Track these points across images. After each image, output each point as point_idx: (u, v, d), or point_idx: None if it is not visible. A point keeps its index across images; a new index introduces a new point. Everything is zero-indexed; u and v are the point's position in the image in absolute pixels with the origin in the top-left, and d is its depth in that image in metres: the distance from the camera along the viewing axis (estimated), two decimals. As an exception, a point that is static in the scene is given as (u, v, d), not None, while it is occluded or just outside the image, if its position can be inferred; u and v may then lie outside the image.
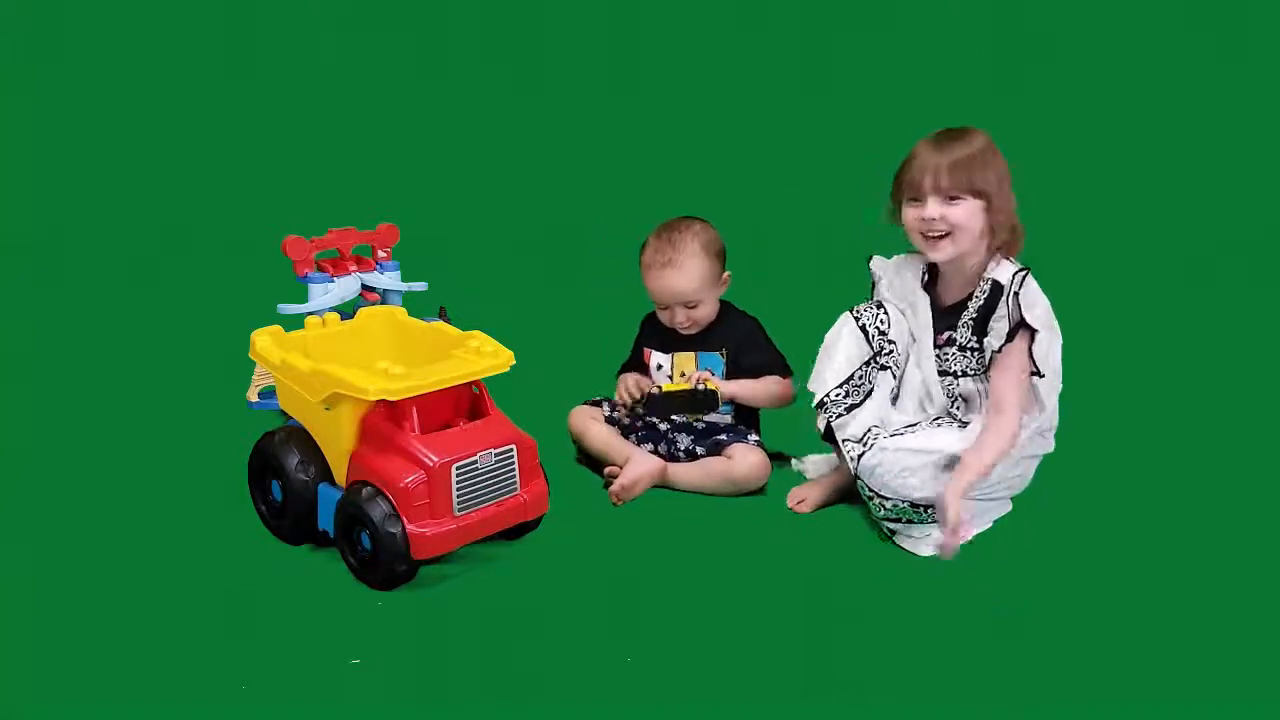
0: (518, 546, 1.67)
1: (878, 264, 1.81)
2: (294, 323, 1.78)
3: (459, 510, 1.53)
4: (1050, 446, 1.73)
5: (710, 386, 1.84)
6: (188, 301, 2.76)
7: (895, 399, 1.76)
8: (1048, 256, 1.79)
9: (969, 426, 1.70)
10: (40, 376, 2.36)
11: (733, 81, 3.19)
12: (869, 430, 1.69)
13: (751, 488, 1.83)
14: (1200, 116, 3.06)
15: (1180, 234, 2.98)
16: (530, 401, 1.80)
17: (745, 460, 1.82)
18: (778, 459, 1.92)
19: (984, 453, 1.63)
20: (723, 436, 1.88)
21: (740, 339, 1.91)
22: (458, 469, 1.52)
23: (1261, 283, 2.80)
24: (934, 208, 1.64)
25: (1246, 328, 2.59)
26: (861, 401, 1.72)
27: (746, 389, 1.88)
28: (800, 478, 1.90)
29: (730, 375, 1.90)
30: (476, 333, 1.67)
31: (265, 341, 1.68)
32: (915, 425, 1.72)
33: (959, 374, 1.72)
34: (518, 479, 1.60)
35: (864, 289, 1.82)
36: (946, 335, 1.73)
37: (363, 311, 1.84)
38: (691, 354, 1.93)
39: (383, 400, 1.50)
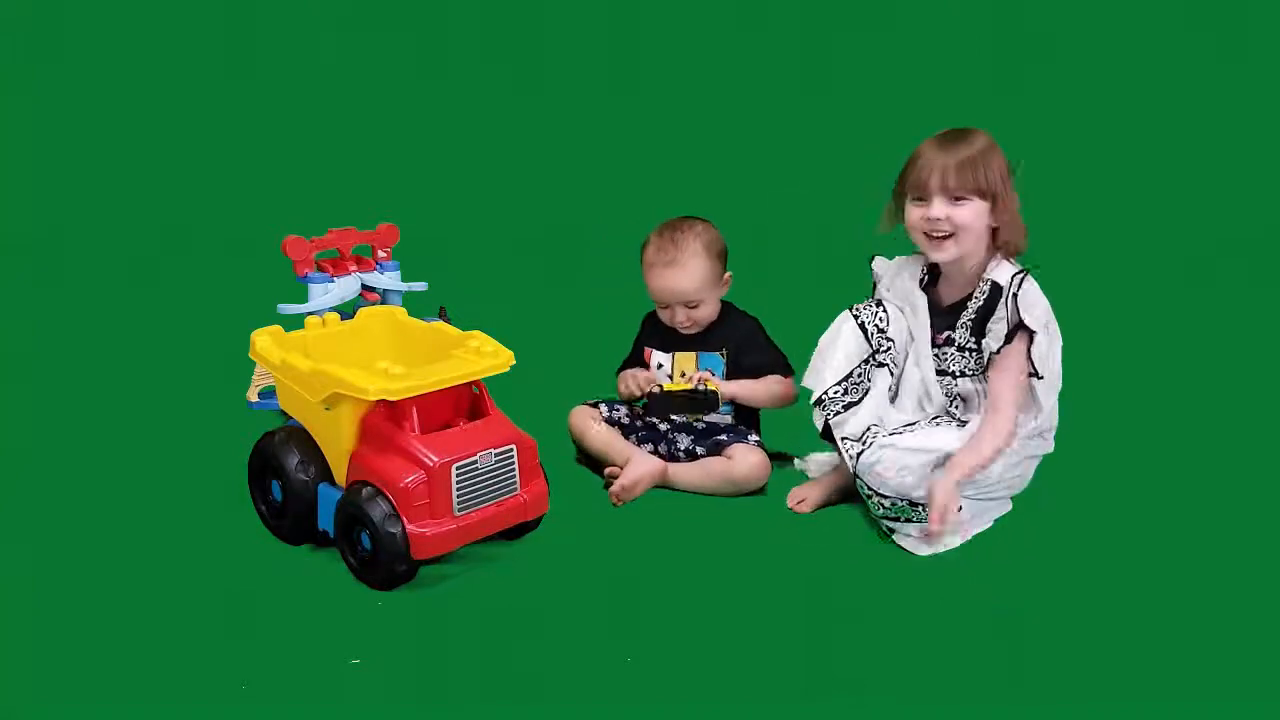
0: (518, 546, 1.66)
1: (879, 264, 1.82)
2: (294, 323, 1.78)
3: (459, 510, 1.53)
4: (1050, 447, 1.73)
5: (710, 387, 1.84)
6: (188, 301, 2.75)
7: (894, 398, 1.77)
8: (1048, 257, 1.78)
9: (968, 425, 1.70)
10: (40, 376, 2.36)
11: (733, 81, 3.19)
12: (868, 429, 1.69)
13: (752, 488, 1.83)
14: (1200, 116, 3.06)
15: (1180, 234, 2.98)
16: (530, 401, 1.80)
17: (745, 460, 1.82)
18: (778, 459, 1.92)
19: (977, 450, 1.64)
20: (723, 436, 1.88)
21: (741, 339, 1.91)
22: (458, 469, 1.52)
23: (1261, 283, 2.80)
24: (939, 207, 1.64)
25: (1246, 328, 2.59)
26: (860, 400, 1.72)
27: (747, 389, 1.88)
28: (801, 477, 1.90)
29: (731, 375, 1.90)
30: (476, 333, 1.67)
31: (265, 341, 1.68)
32: (914, 424, 1.72)
33: (957, 374, 1.72)
34: (518, 479, 1.60)
35: (864, 289, 1.82)
36: (945, 335, 1.73)
37: (363, 311, 1.84)
38: (692, 354, 1.93)
39: (383, 400, 1.50)
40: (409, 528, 1.50)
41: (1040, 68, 3.10)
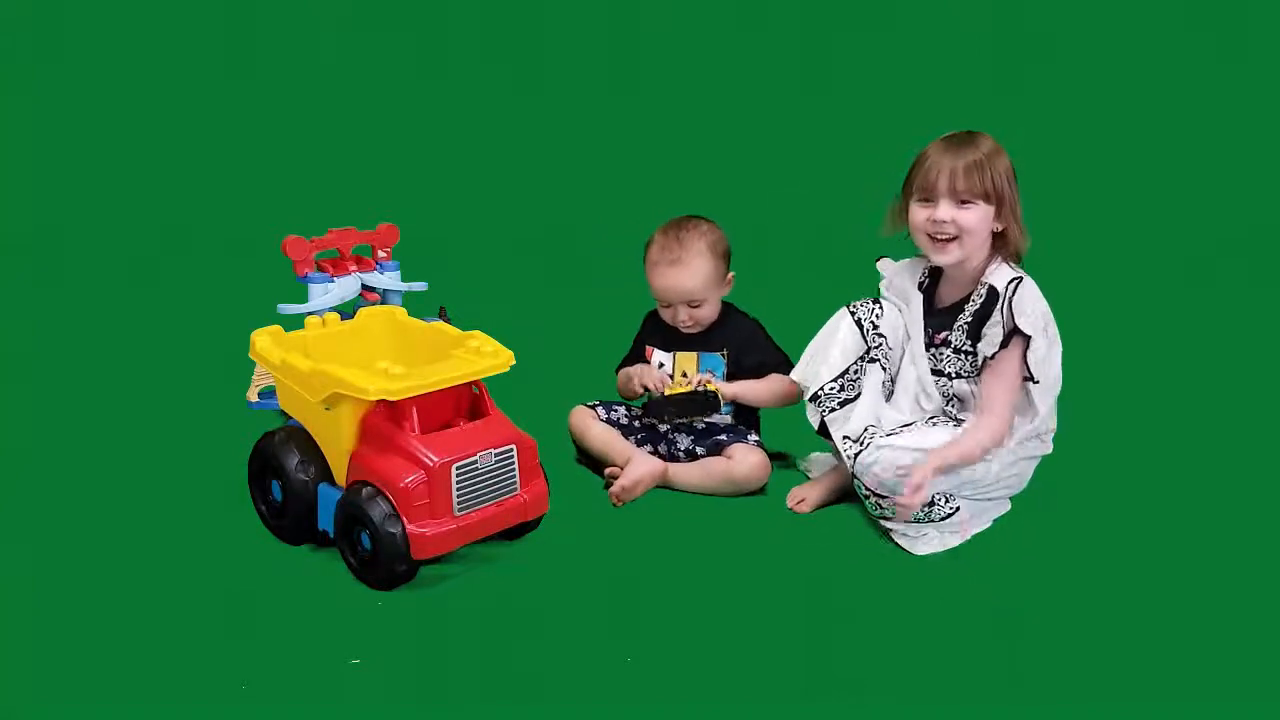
0: (518, 546, 1.66)
1: (884, 265, 1.82)
2: (294, 323, 1.78)
3: (459, 510, 1.53)
4: (1048, 448, 1.73)
5: (710, 388, 1.84)
6: (188, 301, 2.75)
7: (890, 396, 1.77)
8: (1048, 257, 1.79)
9: (963, 426, 1.70)
10: (40, 376, 2.36)
11: (733, 81, 3.19)
12: (866, 429, 1.69)
13: (752, 488, 1.83)
14: (1200, 116, 3.07)
15: (1180, 234, 2.98)
16: (530, 401, 1.80)
17: (745, 460, 1.82)
18: (778, 459, 1.92)
19: (962, 445, 1.65)
20: (723, 437, 1.88)
21: (742, 340, 1.91)
22: (458, 469, 1.52)
23: (1261, 283, 2.80)
24: (946, 209, 1.64)
25: (1246, 328, 2.59)
26: (855, 396, 1.72)
27: (750, 389, 1.88)
28: (801, 477, 1.90)
29: (732, 376, 1.90)
30: (476, 333, 1.67)
31: (265, 341, 1.68)
32: (911, 425, 1.72)
33: (952, 375, 1.72)
34: (518, 479, 1.60)
35: (864, 289, 1.82)
36: (942, 336, 1.73)
37: (363, 311, 1.84)
38: (693, 354, 1.92)
39: (383, 400, 1.50)
40: (409, 528, 1.50)
41: (1040, 68, 3.10)
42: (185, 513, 1.74)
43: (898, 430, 1.69)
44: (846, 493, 1.80)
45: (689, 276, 1.86)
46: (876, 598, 1.52)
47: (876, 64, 3.16)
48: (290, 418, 1.68)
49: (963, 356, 1.71)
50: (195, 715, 1.29)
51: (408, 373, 1.52)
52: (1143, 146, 3.07)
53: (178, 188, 3.06)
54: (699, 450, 1.89)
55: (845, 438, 1.69)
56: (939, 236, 1.66)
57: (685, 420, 1.89)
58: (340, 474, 1.60)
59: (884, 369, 1.75)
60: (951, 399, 1.74)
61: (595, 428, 1.92)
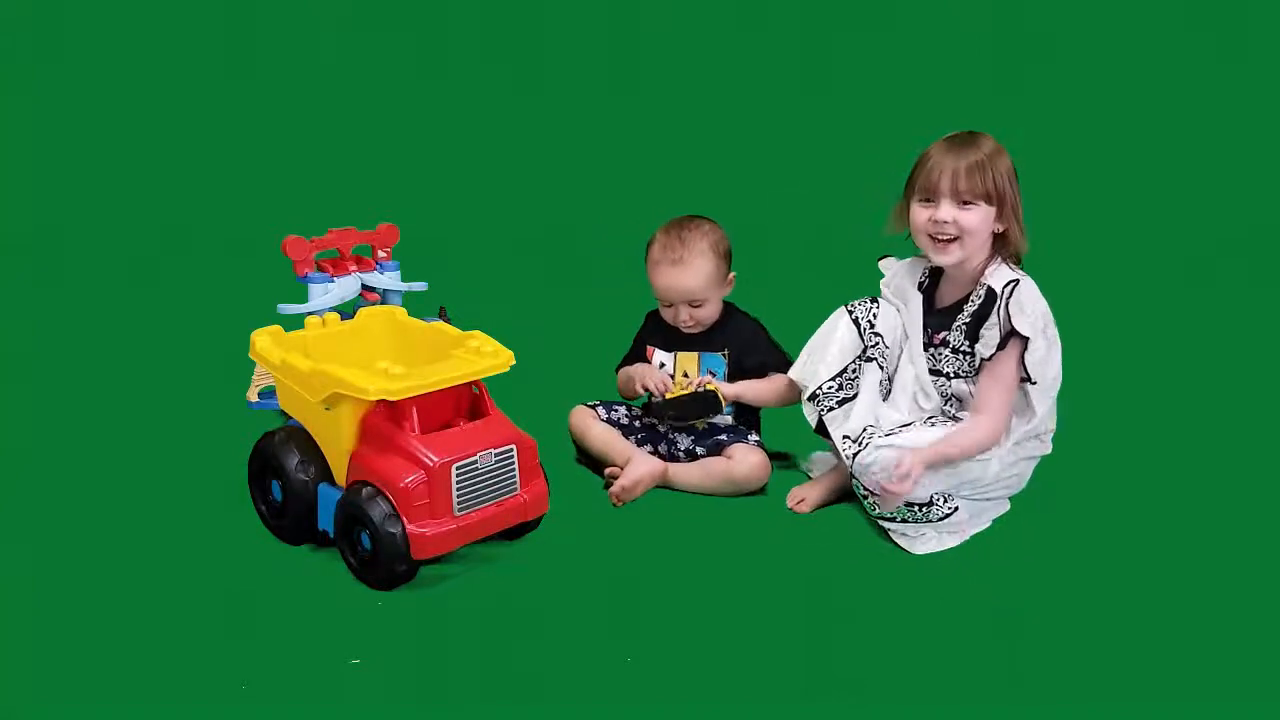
0: (518, 546, 1.66)
1: (886, 264, 1.82)
2: (294, 323, 1.78)
3: (459, 510, 1.53)
4: (1047, 449, 1.74)
5: (710, 389, 1.84)
6: (188, 301, 2.75)
7: (888, 395, 1.77)
8: (1048, 257, 1.79)
9: (961, 423, 1.71)
10: (40, 376, 2.36)
11: (733, 81, 3.19)
12: (865, 429, 1.69)
13: (752, 488, 1.83)
14: (1200, 116, 3.07)
15: (1180, 234, 2.98)
16: (530, 401, 1.80)
17: (746, 460, 1.82)
18: (778, 459, 1.92)
19: (953, 441, 1.65)
20: (723, 437, 1.88)
21: (744, 340, 1.91)
22: (458, 469, 1.52)
23: (1261, 283, 2.80)
24: (947, 210, 1.64)
25: (1246, 328, 2.59)
26: (854, 395, 1.72)
27: (751, 389, 1.88)
28: (801, 477, 1.90)
29: (733, 376, 1.90)
30: (476, 333, 1.67)
31: (265, 341, 1.68)
32: (910, 425, 1.72)
33: (951, 375, 1.72)
34: (518, 479, 1.60)
35: (864, 289, 1.82)
36: (941, 336, 1.73)
37: (363, 311, 1.84)
38: (694, 354, 1.92)
39: (383, 400, 1.50)
40: (409, 528, 1.50)
41: (1040, 68, 3.10)
42: (185, 513, 1.74)
43: (896, 430, 1.69)
44: (846, 493, 1.80)
45: (691, 276, 1.86)
46: (876, 598, 1.53)
47: (876, 64, 3.16)
48: (290, 418, 1.68)
49: (961, 356, 1.71)
50: (195, 715, 1.29)
51: (408, 373, 1.52)
52: (1142, 146, 3.07)
53: (178, 188, 3.06)
54: (699, 450, 1.89)
55: (845, 437, 1.70)
56: (940, 237, 1.66)
57: (688, 422, 1.89)
58: (340, 474, 1.60)
59: (881, 368, 1.75)
60: (950, 398, 1.74)
61: (595, 427, 1.92)
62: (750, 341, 1.91)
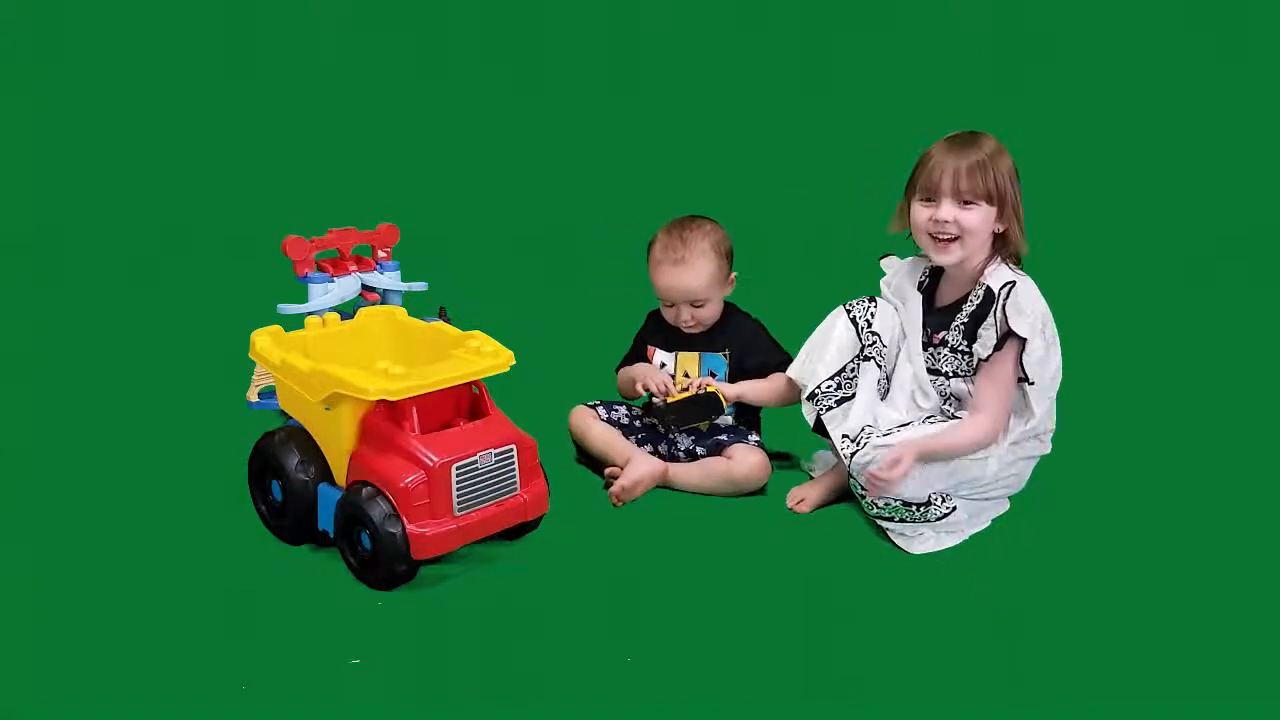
0: (518, 546, 1.66)
1: (888, 263, 1.82)
2: (294, 323, 1.78)
3: (459, 510, 1.53)
4: (1047, 448, 1.74)
5: (710, 390, 1.84)
6: (188, 301, 2.75)
7: (886, 394, 1.77)
8: (1048, 257, 1.79)
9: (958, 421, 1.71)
10: (40, 376, 2.36)
11: (733, 81, 3.19)
12: (863, 429, 1.69)
13: (752, 488, 1.83)
14: (1200, 116, 3.07)
15: (1180, 234, 2.98)
16: (530, 401, 1.80)
17: (746, 461, 1.82)
18: (779, 459, 1.92)
19: (949, 436, 1.66)
20: (723, 437, 1.88)
21: (744, 340, 1.91)
22: (458, 469, 1.52)
23: (1261, 283, 2.80)
24: (948, 209, 1.64)
25: (1246, 328, 2.59)
26: (852, 395, 1.72)
27: (752, 389, 1.88)
28: (801, 477, 1.90)
29: (734, 377, 1.90)
30: (476, 333, 1.67)
31: (265, 341, 1.68)
32: (908, 424, 1.72)
33: (949, 374, 1.72)
34: (518, 479, 1.60)
35: (864, 289, 1.82)
36: (940, 336, 1.73)
37: (363, 311, 1.84)
38: (695, 354, 1.92)
39: (383, 400, 1.50)
40: (409, 528, 1.50)
41: (1040, 68, 3.10)
42: (185, 513, 1.74)
43: (894, 429, 1.69)
44: (846, 492, 1.80)
45: (693, 276, 1.86)
46: (876, 598, 1.53)
47: (876, 64, 3.16)
48: (290, 418, 1.68)
49: (959, 356, 1.71)
50: (195, 715, 1.29)
51: (408, 373, 1.52)
52: (1143, 146, 3.07)
53: (178, 188, 3.06)
54: (699, 450, 1.89)
55: (843, 436, 1.70)
56: (941, 236, 1.67)
57: (691, 426, 1.88)
58: (340, 474, 1.60)
59: (879, 366, 1.75)
60: (949, 398, 1.74)
61: (596, 427, 1.92)
62: (751, 341, 1.91)
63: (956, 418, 1.72)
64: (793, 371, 1.78)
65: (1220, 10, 3.07)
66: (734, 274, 1.92)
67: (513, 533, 1.66)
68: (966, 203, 1.64)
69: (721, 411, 1.85)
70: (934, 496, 1.66)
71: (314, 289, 2.06)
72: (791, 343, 1.90)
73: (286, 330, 1.72)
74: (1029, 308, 1.64)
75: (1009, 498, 1.77)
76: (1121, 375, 2.33)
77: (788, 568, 1.60)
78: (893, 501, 1.66)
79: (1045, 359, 1.65)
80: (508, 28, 3.21)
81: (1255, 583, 1.54)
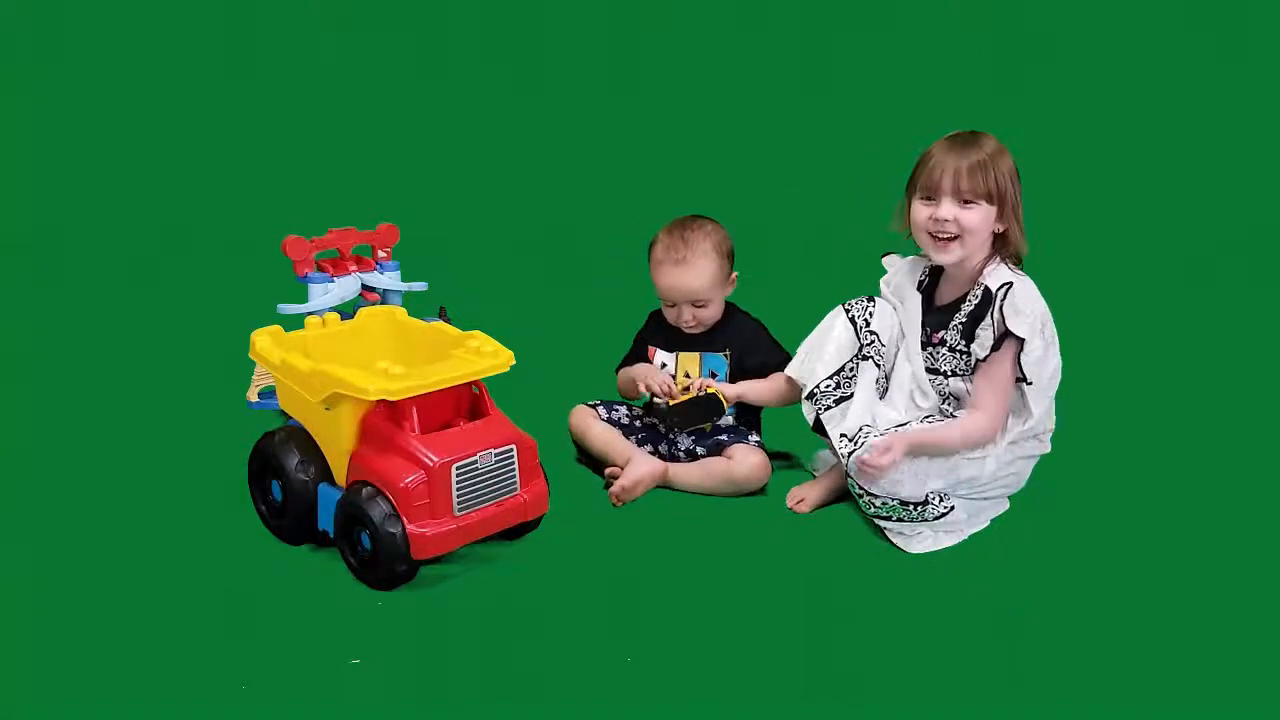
0: (518, 546, 1.66)
1: (890, 261, 1.82)
2: (294, 323, 1.78)
3: (459, 510, 1.53)
4: (1046, 448, 1.74)
5: (710, 390, 1.84)
6: (188, 301, 2.75)
7: (885, 394, 1.77)
8: (1048, 257, 1.79)
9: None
10: (40, 376, 2.36)
11: (733, 81, 3.19)
12: (861, 429, 1.69)
13: (752, 488, 1.83)
14: (1200, 116, 3.07)
15: (1180, 234, 2.98)
16: (530, 401, 1.80)
17: (746, 461, 1.82)
18: (779, 459, 1.92)
19: (944, 431, 1.66)
20: (723, 437, 1.88)
21: (745, 340, 1.91)
22: (458, 469, 1.52)
23: (1261, 283, 2.80)
24: (948, 208, 1.64)
25: (1246, 328, 2.59)
26: (851, 395, 1.72)
27: (753, 388, 1.87)
28: (802, 477, 1.89)
29: (735, 377, 1.90)
30: (476, 333, 1.67)
31: (265, 341, 1.68)
32: (906, 424, 1.72)
33: (948, 374, 1.73)
34: (518, 479, 1.60)
35: (864, 289, 1.82)
36: (939, 336, 1.73)
37: (363, 311, 1.84)
38: (696, 354, 1.92)
39: (383, 400, 1.50)
40: (409, 528, 1.50)
41: (1040, 68, 3.10)
42: (185, 513, 1.74)
43: (892, 429, 1.69)
44: (846, 492, 1.79)
45: (695, 276, 1.86)
46: (876, 598, 1.53)
47: (876, 64, 3.16)
48: (290, 418, 1.68)
49: (958, 355, 1.71)
50: (195, 715, 1.29)
51: (408, 373, 1.52)
52: (1143, 146, 3.07)
53: (178, 188, 3.06)
54: (699, 450, 1.89)
55: (842, 435, 1.70)
56: (940, 235, 1.67)
57: (694, 429, 1.88)
58: (340, 474, 1.60)
59: (877, 365, 1.75)
60: (948, 397, 1.74)
61: (596, 427, 1.92)
62: (752, 341, 1.91)
63: (955, 417, 1.72)
64: (791, 370, 1.78)
65: (1220, 10, 3.07)
66: (735, 274, 1.92)
67: (513, 533, 1.66)
68: (966, 202, 1.64)
69: (723, 412, 1.85)
70: (931, 496, 1.66)
71: (314, 289, 2.06)
72: (792, 343, 1.90)
73: (286, 330, 1.72)
74: (1027, 308, 1.64)
75: (1009, 497, 1.77)
76: (1121, 375, 2.33)
77: (788, 568, 1.60)
78: (890, 500, 1.66)
79: (1044, 359, 1.65)
80: (507, 28, 3.21)
81: (1255, 582, 1.54)
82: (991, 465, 1.68)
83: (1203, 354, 2.45)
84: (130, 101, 3.07)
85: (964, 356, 1.70)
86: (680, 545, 1.68)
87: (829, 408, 1.72)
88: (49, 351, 2.48)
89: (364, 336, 1.80)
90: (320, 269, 2.10)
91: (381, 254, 2.18)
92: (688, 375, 1.91)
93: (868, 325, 1.75)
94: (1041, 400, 1.68)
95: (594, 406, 1.95)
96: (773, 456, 1.88)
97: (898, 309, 1.78)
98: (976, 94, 3.06)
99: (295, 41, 3.14)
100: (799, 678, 1.35)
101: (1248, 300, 2.74)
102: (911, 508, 1.66)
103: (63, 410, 2.18)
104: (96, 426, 2.10)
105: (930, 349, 1.74)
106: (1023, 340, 1.63)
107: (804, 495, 1.80)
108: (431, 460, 1.51)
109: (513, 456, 1.58)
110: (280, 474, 1.63)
